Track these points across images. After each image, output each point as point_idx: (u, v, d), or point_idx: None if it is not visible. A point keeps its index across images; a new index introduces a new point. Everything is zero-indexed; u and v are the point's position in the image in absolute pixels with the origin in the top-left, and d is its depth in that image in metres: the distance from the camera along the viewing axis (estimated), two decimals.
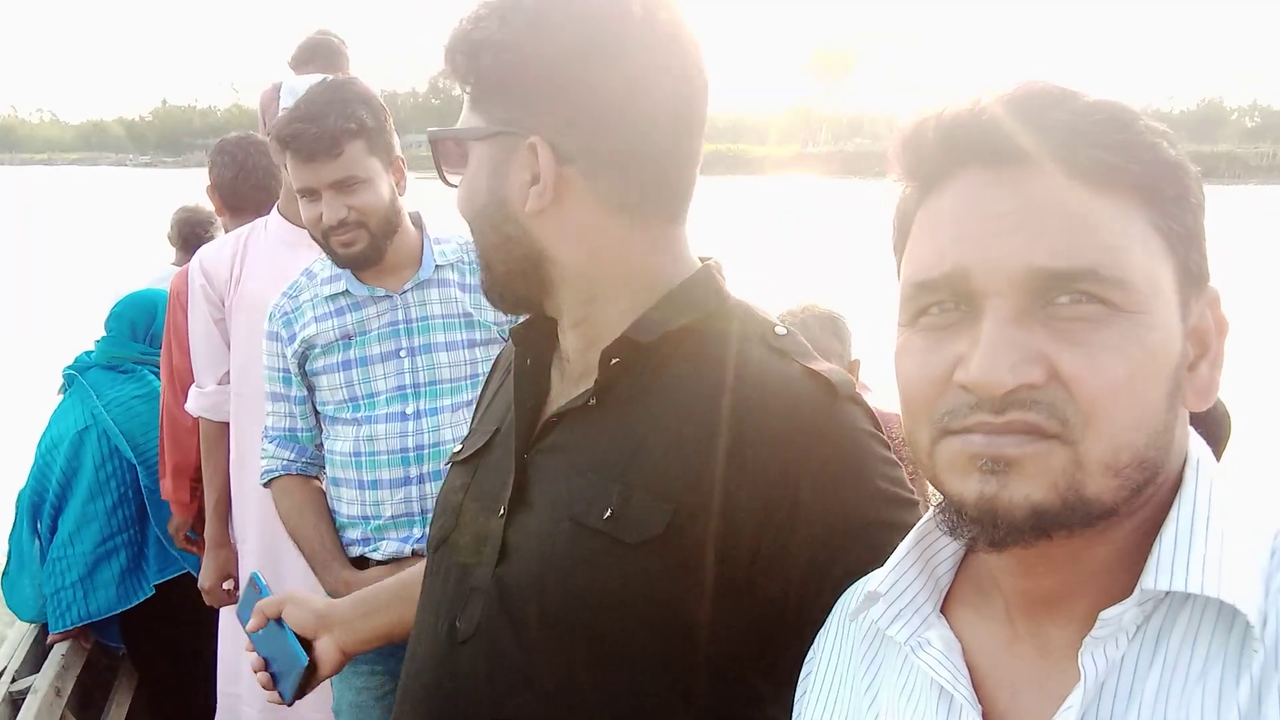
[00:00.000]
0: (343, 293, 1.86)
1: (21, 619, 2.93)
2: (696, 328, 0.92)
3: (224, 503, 2.34)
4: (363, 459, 1.83)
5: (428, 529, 1.81)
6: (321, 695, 2.14)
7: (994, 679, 0.65)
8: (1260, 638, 0.55)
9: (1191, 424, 0.63)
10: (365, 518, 1.85)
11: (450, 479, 1.08)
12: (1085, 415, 0.56)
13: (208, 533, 2.37)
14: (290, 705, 1.22)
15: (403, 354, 1.85)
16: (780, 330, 0.93)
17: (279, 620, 1.23)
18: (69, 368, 2.87)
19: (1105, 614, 0.58)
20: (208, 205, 3.03)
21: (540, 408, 0.99)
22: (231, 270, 2.29)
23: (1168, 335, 0.58)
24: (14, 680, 2.63)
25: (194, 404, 2.35)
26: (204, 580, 2.36)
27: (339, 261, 1.83)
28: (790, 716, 0.81)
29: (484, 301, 1.89)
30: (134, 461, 2.72)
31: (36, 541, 2.83)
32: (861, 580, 0.78)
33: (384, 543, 1.84)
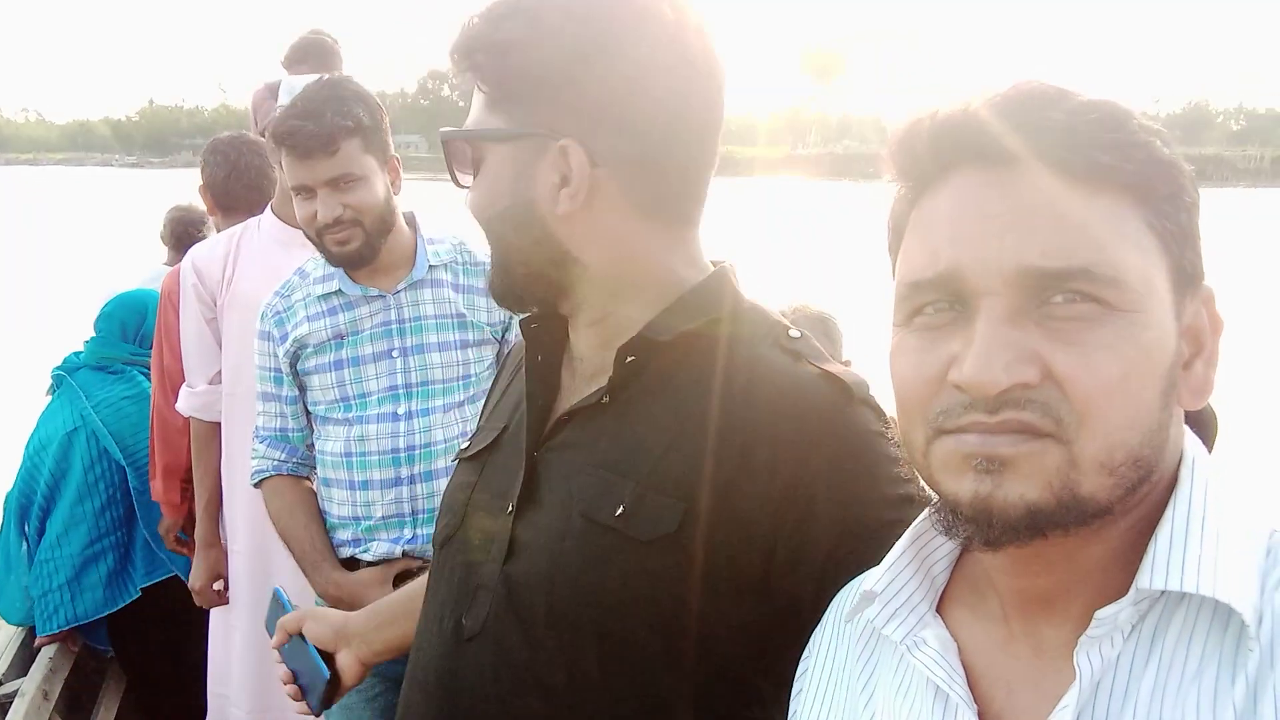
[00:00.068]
0: (335, 292, 1.86)
1: (8, 622, 2.92)
2: (711, 329, 0.92)
3: (215, 503, 2.33)
4: (354, 459, 1.83)
5: (418, 530, 1.84)
6: None
7: (990, 678, 0.65)
8: (1255, 637, 0.55)
9: None
10: (356, 518, 1.84)
11: (456, 476, 1.08)
12: (1079, 414, 0.56)
13: (198, 533, 2.37)
14: (319, 716, 1.24)
15: (395, 354, 1.84)
16: (794, 333, 0.93)
17: (301, 635, 1.24)
18: (58, 368, 2.86)
19: (1100, 613, 0.58)
20: (198, 205, 3.02)
21: (550, 406, 0.99)
22: (224, 269, 2.28)
23: (1162, 334, 0.59)
24: (1, 684, 2.62)
25: (185, 404, 2.34)
26: (194, 581, 2.35)
27: (333, 260, 1.83)
28: (786, 717, 0.81)
29: (477, 302, 1.91)
30: (123, 463, 2.71)
31: (24, 543, 2.81)
32: (857, 579, 0.78)
33: (375, 543, 1.84)
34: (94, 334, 2.86)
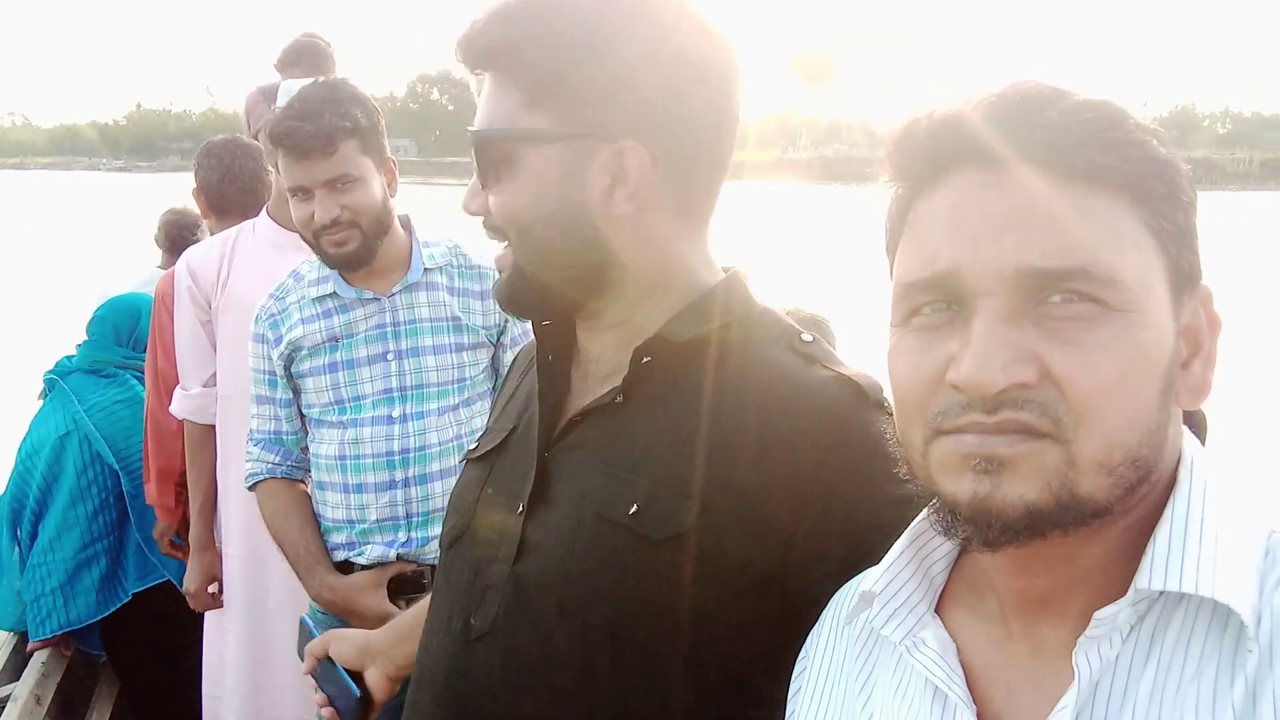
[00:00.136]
0: (330, 295, 1.85)
1: (1, 627, 2.91)
2: (725, 333, 0.92)
3: (209, 506, 2.32)
4: (348, 462, 1.83)
5: (413, 533, 1.83)
6: (305, 699, 2.14)
7: (988, 679, 0.65)
8: (1254, 637, 0.55)
9: None
10: (350, 521, 1.84)
11: (464, 477, 1.08)
12: (1078, 414, 0.56)
13: (192, 536, 2.36)
14: None
15: (390, 357, 1.84)
16: (806, 337, 0.93)
17: (330, 658, 1.25)
18: (49, 372, 2.85)
19: (1099, 614, 0.58)
20: (192, 208, 3.02)
21: (559, 406, 0.99)
22: (219, 272, 2.28)
23: (1160, 333, 0.59)
24: None
25: (179, 406, 2.33)
26: (189, 584, 2.35)
27: (330, 262, 1.82)
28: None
29: (472, 305, 1.92)
30: (115, 467, 2.70)
31: (16, 548, 2.80)
32: (856, 579, 0.78)
33: (369, 547, 1.83)
34: (86, 338, 2.85)
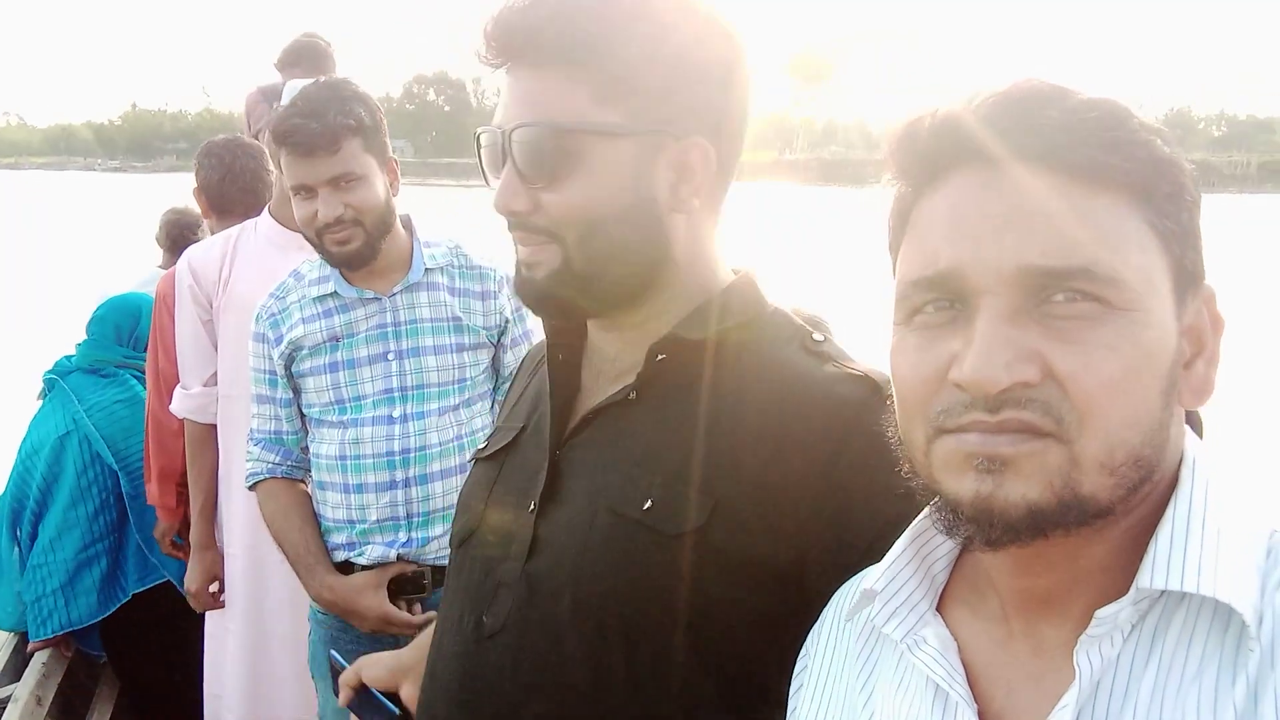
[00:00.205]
0: (331, 294, 1.85)
1: (1, 627, 2.90)
2: (740, 331, 0.93)
3: (210, 506, 2.32)
4: (348, 462, 1.82)
5: (413, 533, 1.84)
6: (306, 699, 2.14)
7: (989, 677, 0.65)
8: (1256, 637, 0.55)
9: None
10: (350, 522, 1.84)
11: (473, 476, 1.08)
12: (1080, 414, 0.56)
13: (193, 536, 2.36)
14: None
15: (390, 357, 1.84)
16: (817, 336, 0.94)
17: (363, 685, 1.25)
18: (49, 372, 2.84)
19: (1100, 613, 0.58)
20: (192, 208, 3.02)
21: (570, 404, 0.99)
22: (220, 271, 2.28)
23: (1163, 333, 0.58)
24: None
25: (179, 405, 2.33)
26: (190, 583, 2.34)
27: (332, 260, 1.82)
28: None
29: (473, 306, 1.92)
30: (115, 467, 2.70)
31: (16, 548, 2.80)
32: (857, 577, 0.78)
33: (369, 547, 1.83)
34: (86, 337, 2.84)
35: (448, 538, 1.84)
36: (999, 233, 0.58)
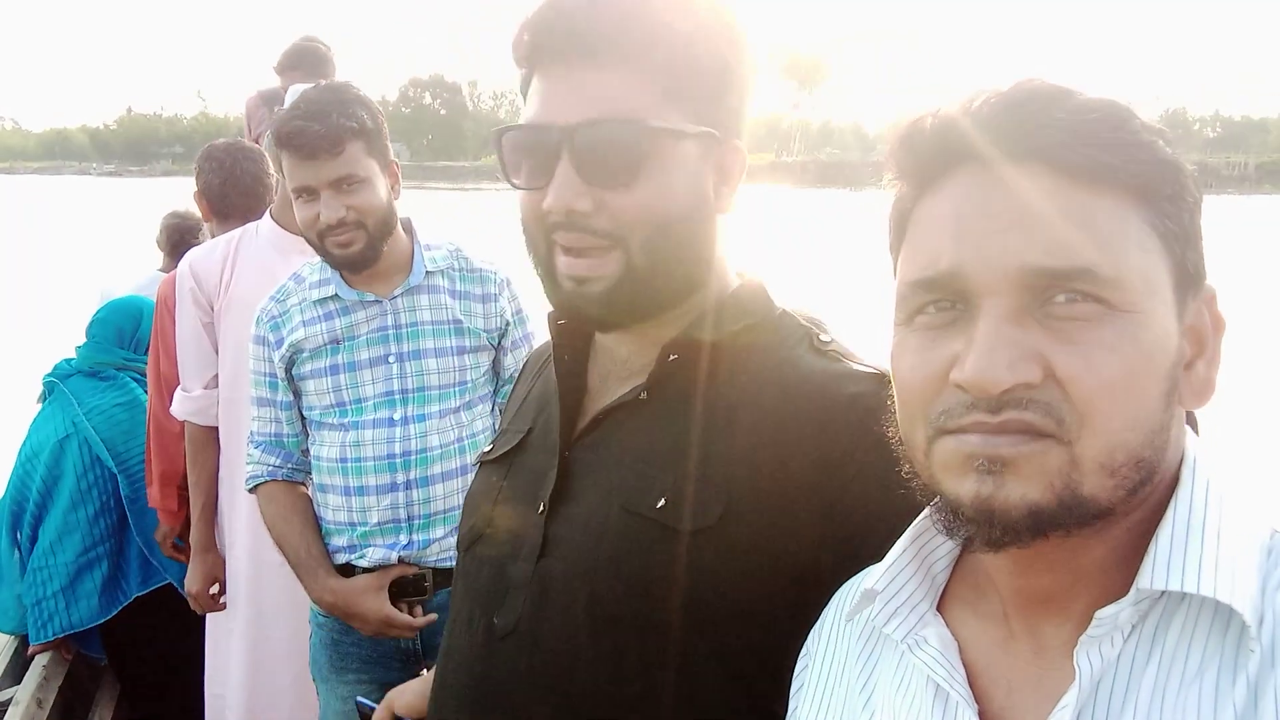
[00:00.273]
0: (331, 297, 1.85)
1: (1, 631, 2.90)
2: (749, 333, 0.94)
3: (210, 508, 2.32)
4: (349, 465, 1.82)
5: (414, 536, 1.84)
6: (307, 703, 2.14)
7: (990, 677, 0.65)
8: (1256, 637, 0.55)
9: None
10: (351, 524, 1.84)
11: (479, 479, 1.08)
12: (1081, 415, 0.56)
13: (194, 538, 2.36)
14: None
15: (391, 359, 1.84)
16: (824, 337, 0.95)
17: (397, 719, 1.25)
18: (49, 375, 2.84)
19: (1101, 613, 0.58)
20: (192, 211, 3.02)
21: (578, 405, 0.99)
22: (221, 274, 2.28)
23: (1164, 334, 0.59)
24: None
25: (179, 408, 2.33)
26: (191, 585, 2.34)
27: (334, 263, 1.82)
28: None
29: (473, 308, 1.92)
30: (115, 470, 2.70)
31: (16, 552, 2.80)
32: (858, 576, 0.78)
33: (370, 550, 1.83)
34: (86, 339, 2.84)
35: (449, 540, 1.85)
36: (1001, 233, 0.58)
